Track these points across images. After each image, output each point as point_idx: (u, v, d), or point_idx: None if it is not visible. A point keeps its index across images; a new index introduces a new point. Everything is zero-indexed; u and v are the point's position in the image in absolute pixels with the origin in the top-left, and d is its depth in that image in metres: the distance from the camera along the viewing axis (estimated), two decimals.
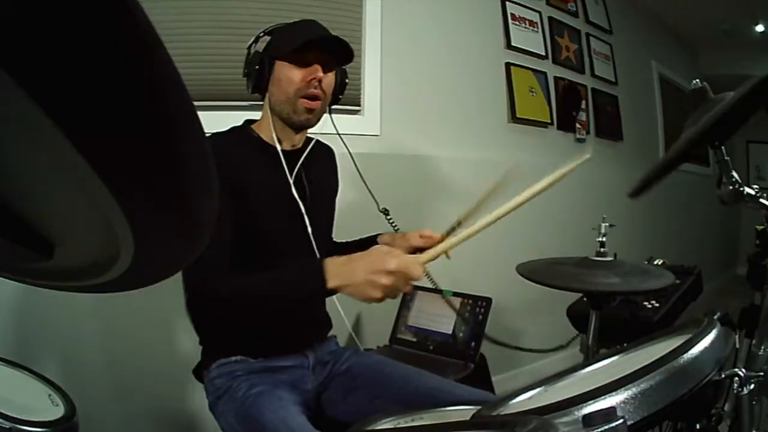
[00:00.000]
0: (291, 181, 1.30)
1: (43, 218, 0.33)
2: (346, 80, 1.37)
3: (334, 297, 1.30)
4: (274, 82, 1.27)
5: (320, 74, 1.24)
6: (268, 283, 1.13)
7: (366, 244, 1.47)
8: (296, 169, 1.32)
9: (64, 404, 1.12)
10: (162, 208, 0.28)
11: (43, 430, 0.98)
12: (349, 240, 1.52)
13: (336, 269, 1.04)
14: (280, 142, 1.30)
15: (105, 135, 0.23)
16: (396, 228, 1.52)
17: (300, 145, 1.35)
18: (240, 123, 1.37)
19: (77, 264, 0.37)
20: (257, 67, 1.26)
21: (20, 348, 1.66)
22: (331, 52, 1.27)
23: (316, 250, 1.32)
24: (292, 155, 1.32)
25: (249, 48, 1.30)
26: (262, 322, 1.29)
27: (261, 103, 1.34)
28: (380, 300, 1.01)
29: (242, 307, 1.17)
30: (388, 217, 1.48)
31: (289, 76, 1.24)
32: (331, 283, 1.03)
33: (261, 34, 1.32)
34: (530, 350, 2.87)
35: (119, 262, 0.32)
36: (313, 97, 1.25)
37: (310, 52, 1.24)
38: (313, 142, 1.39)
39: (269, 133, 1.30)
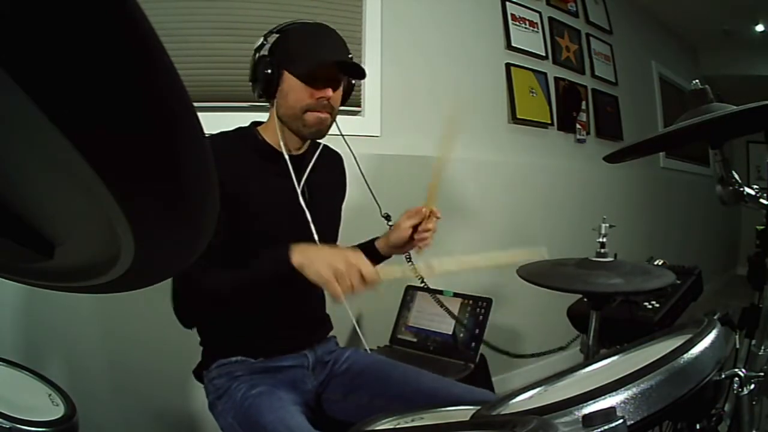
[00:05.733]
0: (299, 189, 1.30)
1: (43, 218, 0.33)
2: (353, 83, 1.35)
3: None
4: (281, 93, 1.24)
5: (330, 94, 1.23)
6: (241, 270, 1.16)
7: (366, 247, 1.47)
8: (304, 176, 1.31)
9: (64, 404, 1.12)
10: (162, 209, 0.28)
11: (43, 430, 0.98)
12: (350, 245, 1.51)
13: (301, 250, 1.11)
14: (286, 146, 1.28)
15: (105, 135, 0.23)
16: None
17: (305, 150, 1.34)
18: (244, 123, 1.35)
19: (78, 264, 0.37)
20: (266, 73, 1.21)
21: (21, 348, 1.66)
22: (342, 71, 1.26)
23: None
24: (298, 160, 1.31)
25: (256, 51, 1.25)
26: (262, 322, 1.29)
27: (263, 104, 1.33)
28: (328, 283, 1.05)
29: (222, 300, 1.18)
30: (389, 223, 1.47)
31: (297, 92, 1.22)
32: (295, 259, 1.09)
33: (269, 35, 1.25)
34: (531, 355, 2.86)
35: (119, 262, 0.32)
36: (321, 110, 1.24)
37: (321, 71, 1.22)
38: (320, 147, 1.38)
39: (275, 138, 1.28)
